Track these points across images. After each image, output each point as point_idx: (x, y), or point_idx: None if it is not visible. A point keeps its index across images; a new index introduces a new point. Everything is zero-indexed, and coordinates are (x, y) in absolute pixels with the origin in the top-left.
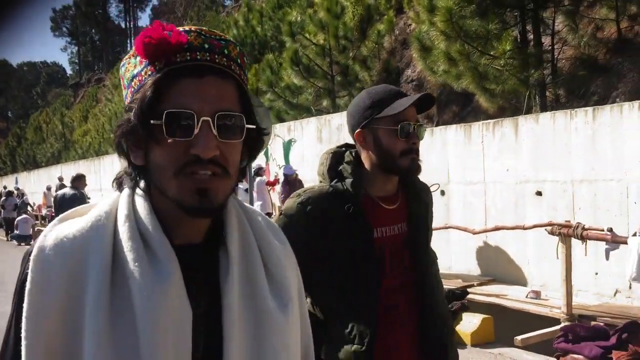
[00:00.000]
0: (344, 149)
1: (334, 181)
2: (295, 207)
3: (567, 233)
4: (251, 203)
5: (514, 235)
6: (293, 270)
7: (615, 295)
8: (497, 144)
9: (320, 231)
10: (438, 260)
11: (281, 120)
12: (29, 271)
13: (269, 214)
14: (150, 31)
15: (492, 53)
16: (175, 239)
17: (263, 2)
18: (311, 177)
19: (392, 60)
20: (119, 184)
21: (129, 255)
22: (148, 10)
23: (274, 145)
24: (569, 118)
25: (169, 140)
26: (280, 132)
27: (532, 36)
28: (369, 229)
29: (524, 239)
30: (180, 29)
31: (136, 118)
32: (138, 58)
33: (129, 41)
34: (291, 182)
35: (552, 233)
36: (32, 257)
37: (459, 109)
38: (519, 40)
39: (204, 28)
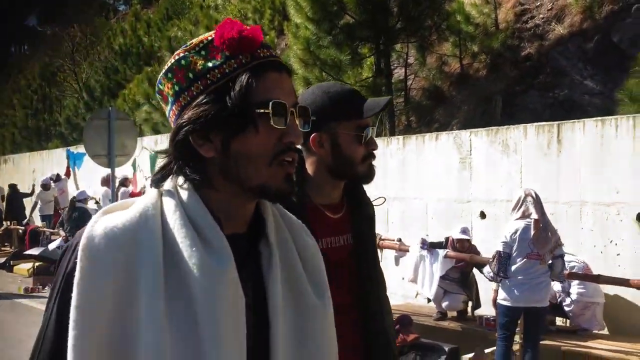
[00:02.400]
0: None
1: None
2: None
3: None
4: None
5: None
6: (321, 260)
7: (416, 296)
8: None
9: None
10: None
11: (157, 132)
12: (78, 261)
13: None
14: (240, 26)
15: (346, 81)
16: (223, 229)
17: (152, 12)
18: None
19: None
20: (158, 182)
21: (184, 243)
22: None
23: (142, 157)
24: (386, 144)
25: (264, 130)
26: (147, 144)
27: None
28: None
29: None
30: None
31: (237, 107)
32: (206, 52)
33: None
34: None
35: None
36: (80, 247)
37: None
38: (374, 70)
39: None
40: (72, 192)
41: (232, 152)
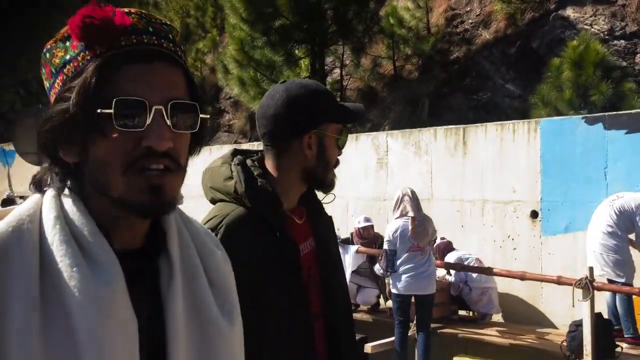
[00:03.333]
0: (240, 156)
1: (248, 201)
2: None
3: None
4: None
5: None
6: (232, 277)
7: None
8: None
9: (245, 271)
10: None
11: None
12: None
13: None
14: (90, 11)
15: (280, 81)
16: (113, 244)
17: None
18: None
19: (212, 78)
20: (38, 185)
21: (64, 262)
22: None
23: None
24: None
25: (114, 134)
26: None
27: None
28: (297, 253)
29: None
30: (119, 9)
31: (77, 107)
32: (70, 42)
33: None
34: None
35: None
36: None
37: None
38: (309, 71)
39: (143, 10)
40: (5, 190)
41: (89, 158)
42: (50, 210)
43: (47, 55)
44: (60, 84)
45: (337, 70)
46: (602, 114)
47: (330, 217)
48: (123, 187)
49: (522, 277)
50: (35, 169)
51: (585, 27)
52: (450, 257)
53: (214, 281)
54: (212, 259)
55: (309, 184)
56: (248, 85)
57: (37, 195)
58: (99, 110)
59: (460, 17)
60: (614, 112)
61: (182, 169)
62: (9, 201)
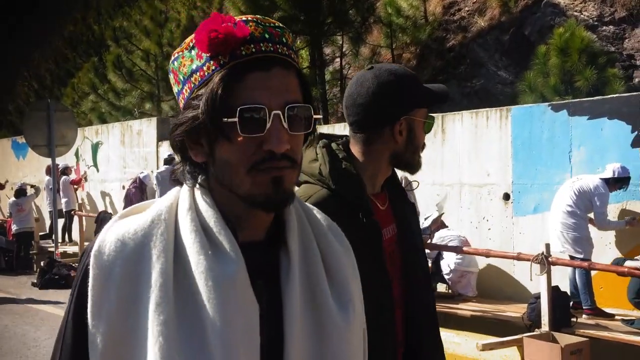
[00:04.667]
0: (325, 140)
1: (332, 182)
2: None
3: None
4: (54, 200)
5: None
6: (354, 273)
7: None
8: None
9: None
10: None
11: (104, 121)
12: (90, 268)
13: (73, 210)
14: (214, 24)
15: None
16: (238, 236)
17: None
18: (115, 175)
19: None
20: (176, 179)
21: (192, 248)
22: None
23: (84, 147)
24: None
25: (238, 138)
26: (89, 134)
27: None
28: (380, 236)
29: None
30: (238, 18)
31: (205, 115)
32: (195, 51)
33: None
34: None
35: None
36: (92, 253)
37: None
38: (309, 61)
39: (259, 16)
40: (20, 180)
41: (217, 159)
42: (184, 202)
43: (175, 63)
44: (189, 91)
45: (338, 60)
46: (566, 101)
47: (413, 203)
48: (249, 184)
49: (487, 254)
50: (46, 160)
51: (575, 13)
52: (436, 235)
53: (333, 273)
54: (332, 249)
55: (399, 168)
56: None
57: (176, 188)
58: (224, 119)
59: (457, 4)
60: (577, 100)
61: (298, 165)
62: (21, 191)
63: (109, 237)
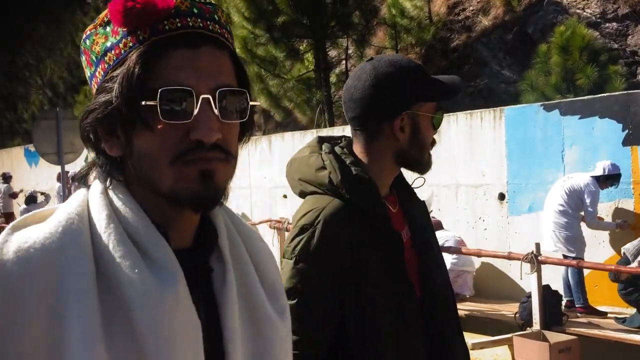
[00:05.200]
0: (327, 144)
1: (345, 192)
2: (316, 243)
3: (279, 227)
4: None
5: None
6: (277, 272)
7: None
8: (258, 156)
9: (347, 269)
10: None
11: None
12: None
13: None
14: None
15: (285, 76)
16: (170, 244)
17: None
18: None
19: None
20: (83, 180)
21: (123, 263)
22: None
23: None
24: (299, 138)
25: (159, 125)
26: None
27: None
28: (401, 243)
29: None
30: None
31: (120, 99)
32: (110, 27)
33: None
34: None
35: (271, 227)
36: None
37: (282, 118)
38: (314, 64)
39: None
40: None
41: (135, 151)
42: (100, 208)
43: (87, 42)
44: (102, 73)
45: (344, 62)
46: (558, 101)
47: (424, 201)
48: (172, 178)
49: (479, 254)
50: (57, 168)
51: (578, 11)
52: None
53: (264, 278)
54: (260, 256)
55: (406, 167)
56: (252, 81)
57: (82, 191)
58: (143, 102)
59: (462, 4)
60: (569, 99)
61: (232, 157)
62: (31, 198)
63: (7, 254)
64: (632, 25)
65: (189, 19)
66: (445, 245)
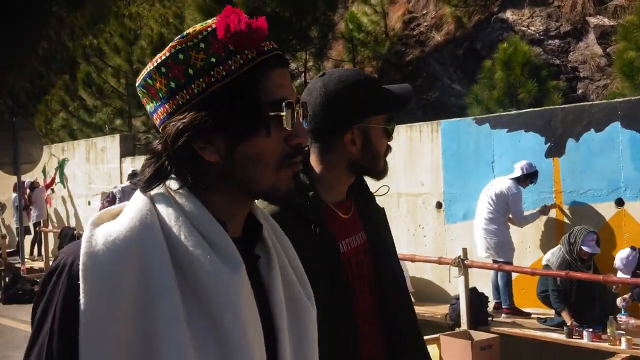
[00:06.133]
0: None
1: None
2: None
3: None
4: (20, 217)
5: None
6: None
7: None
8: None
9: None
10: None
11: (74, 138)
12: (82, 283)
13: (39, 226)
14: (234, 17)
15: None
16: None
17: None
18: (81, 192)
19: None
20: (147, 185)
21: (195, 252)
22: None
23: (51, 163)
24: None
25: (270, 133)
26: (55, 151)
27: None
28: (336, 248)
29: None
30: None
31: (246, 108)
32: (206, 44)
33: None
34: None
35: None
36: (82, 267)
37: None
38: None
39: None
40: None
41: (237, 156)
42: (167, 205)
43: (181, 55)
44: (203, 85)
45: (302, 75)
46: (487, 115)
47: (383, 208)
48: (274, 179)
49: (412, 259)
50: (14, 178)
51: (523, 28)
52: None
53: (293, 266)
54: (287, 244)
55: (360, 175)
56: None
57: (140, 195)
58: (271, 113)
59: (417, 20)
60: (497, 114)
61: None
62: None
63: (97, 246)
64: (573, 42)
65: (273, 42)
66: None
